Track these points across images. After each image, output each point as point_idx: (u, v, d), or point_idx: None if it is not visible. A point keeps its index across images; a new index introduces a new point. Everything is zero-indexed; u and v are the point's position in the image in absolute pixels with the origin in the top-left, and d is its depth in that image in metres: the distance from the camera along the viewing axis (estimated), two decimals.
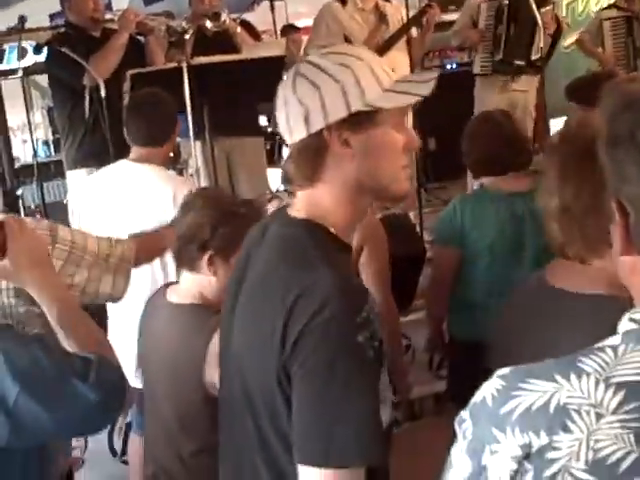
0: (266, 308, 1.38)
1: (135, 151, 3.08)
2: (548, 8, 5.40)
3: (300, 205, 1.47)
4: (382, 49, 4.94)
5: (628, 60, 5.82)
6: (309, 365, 1.30)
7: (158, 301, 2.24)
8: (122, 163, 3.11)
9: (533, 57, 5.44)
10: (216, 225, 2.06)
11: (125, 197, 3.01)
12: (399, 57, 4.94)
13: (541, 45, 5.37)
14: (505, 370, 0.95)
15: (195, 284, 2.14)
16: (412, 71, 5.27)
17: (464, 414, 0.96)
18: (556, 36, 5.53)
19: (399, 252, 2.95)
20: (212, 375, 1.93)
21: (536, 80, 5.70)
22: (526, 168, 2.86)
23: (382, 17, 5.00)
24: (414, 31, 5.14)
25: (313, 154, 1.41)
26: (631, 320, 0.91)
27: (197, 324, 2.06)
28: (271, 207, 2.52)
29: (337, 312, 1.28)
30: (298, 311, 1.31)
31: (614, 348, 0.90)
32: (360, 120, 1.39)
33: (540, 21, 5.25)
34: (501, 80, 5.54)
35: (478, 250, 2.81)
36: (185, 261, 2.14)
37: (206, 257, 2.07)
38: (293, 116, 1.41)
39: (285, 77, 1.46)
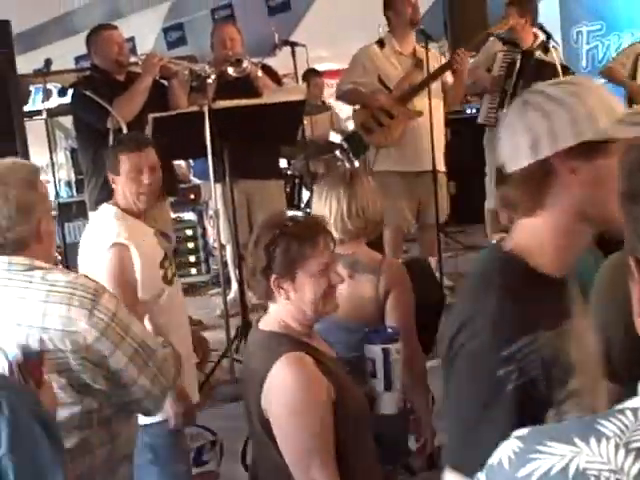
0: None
1: None
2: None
3: (515, 232, 1.47)
4: (411, 93, 5.01)
5: None
6: (454, 383, 1.40)
7: (254, 326, 2.28)
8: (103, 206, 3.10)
9: None
10: (270, 249, 2.06)
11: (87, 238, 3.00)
12: (434, 102, 5.00)
13: None
14: (523, 431, 0.93)
15: (275, 312, 2.14)
16: (446, 117, 5.36)
17: (481, 476, 0.94)
18: None
19: (418, 298, 2.93)
20: (265, 402, 1.98)
21: None
22: None
23: (418, 62, 5.05)
24: (449, 78, 5.21)
25: (538, 181, 1.39)
26: None
27: (265, 352, 2.06)
28: None
29: (486, 341, 1.33)
30: (461, 335, 1.38)
31: (634, 411, 0.87)
32: (590, 149, 1.36)
33: None
34: None
35: None
36: (261, 294, 2.14)
37: (271, 283, 2.07)
38: (519, 143, 1.39)
39: (512, 106, 1.45)
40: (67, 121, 6.98)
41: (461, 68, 5.08)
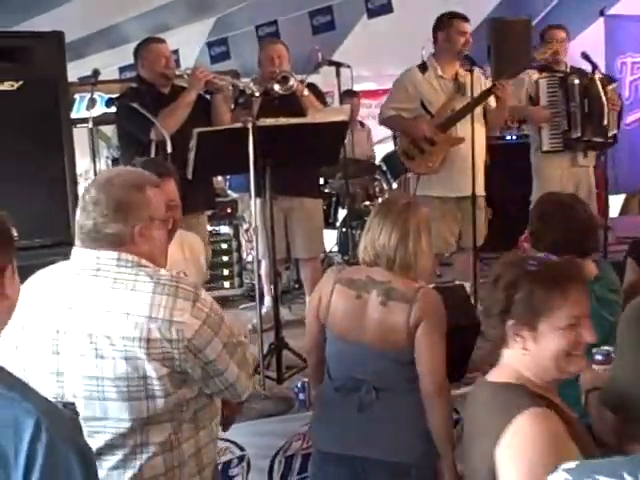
0: None
1: None
2: (614, 85, 5.43)
3: None
4: (453, 119, 5.02)
5: None
6: None
7: (480, 380, 2.09)
8: None
9: (610, 133, 5.47)
10: (509, 292, 1.90)
11: None
12: (476, 127, 5.00)
13: (613, 122, 5.45)
14: (571, 464, 0.95)
15: (511, 361, 1.94)
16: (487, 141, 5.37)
17: None
18: (621, 113, 5.56)
19: (452, 323, 2.93)
20: (501, 456, 1.77)
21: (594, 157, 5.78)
22: (594, 252, 2.81)
23: (460, 86, 5.05)
24: (493, 102, 5.19)
25: None
26: None
27: (502, 405, 1.86)
28: None
29: None
30: None
31: None
32: None
33: (607, 99, 5.34)
34: (569, 156, 5.58)
35: None
36: (493, 337, 1.98)
37: (507, 329, 1.90)
38: None
39: None
40: (108, 130, 7.08)
41: (503, 96, 5.06)
